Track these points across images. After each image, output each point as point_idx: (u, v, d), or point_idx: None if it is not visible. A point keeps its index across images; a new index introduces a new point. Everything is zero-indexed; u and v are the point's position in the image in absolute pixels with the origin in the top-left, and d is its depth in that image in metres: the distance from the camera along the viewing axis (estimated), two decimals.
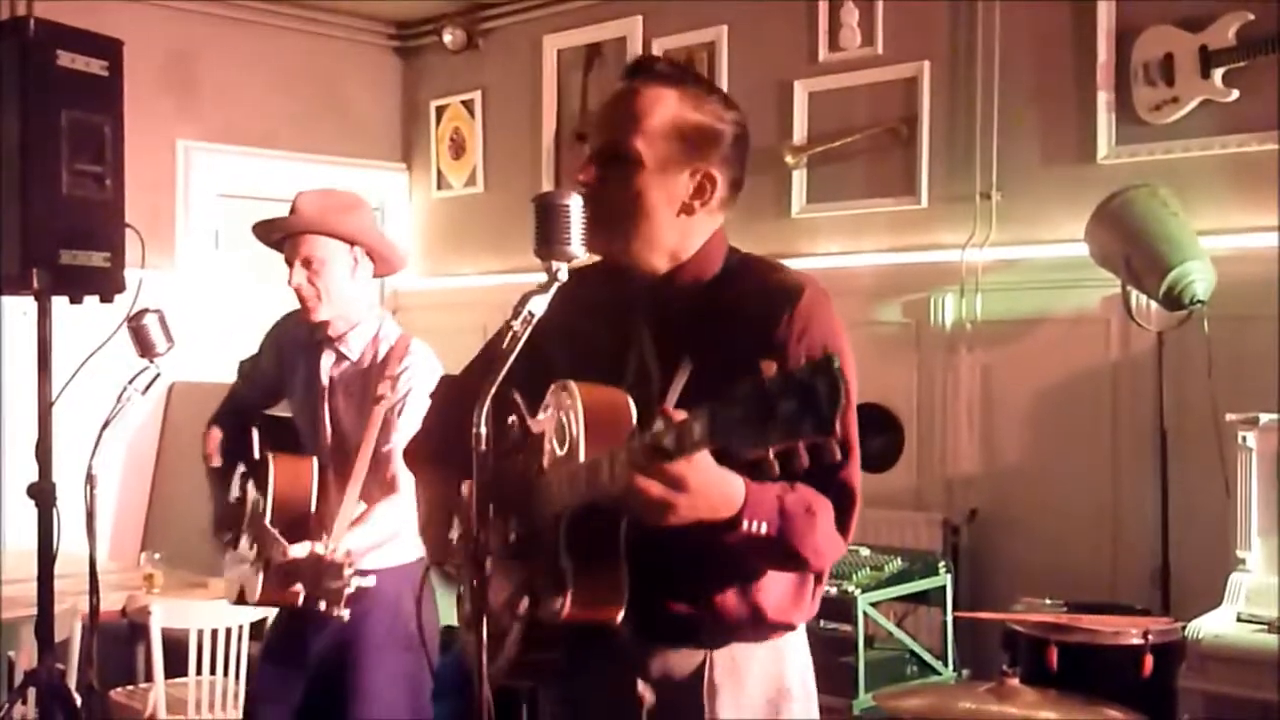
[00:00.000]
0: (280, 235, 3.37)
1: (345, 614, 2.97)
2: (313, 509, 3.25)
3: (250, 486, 3.40)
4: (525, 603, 1.89)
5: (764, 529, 1.79)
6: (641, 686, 2.01)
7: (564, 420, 1.89)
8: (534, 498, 1.93)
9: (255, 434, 3.45)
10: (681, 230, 2.03)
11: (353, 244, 3.36)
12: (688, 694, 1.99)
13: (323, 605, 2.99)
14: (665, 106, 1.98)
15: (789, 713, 2.04)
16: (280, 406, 3.59)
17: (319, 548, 3.01)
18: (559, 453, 1.90)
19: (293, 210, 3.37)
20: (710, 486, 1.70)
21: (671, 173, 1.99)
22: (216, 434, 3.49)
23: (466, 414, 1.83)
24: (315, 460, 3.32)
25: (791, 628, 2.03)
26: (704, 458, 1.66)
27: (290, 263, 3.33)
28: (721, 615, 1.96)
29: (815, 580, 2.03)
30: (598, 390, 1.89)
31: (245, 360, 3.61)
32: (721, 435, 1.49)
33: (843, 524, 1.92)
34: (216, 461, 3.48)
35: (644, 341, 2.01)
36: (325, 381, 3.39)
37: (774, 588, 1.97)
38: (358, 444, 3.30)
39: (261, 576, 3.14)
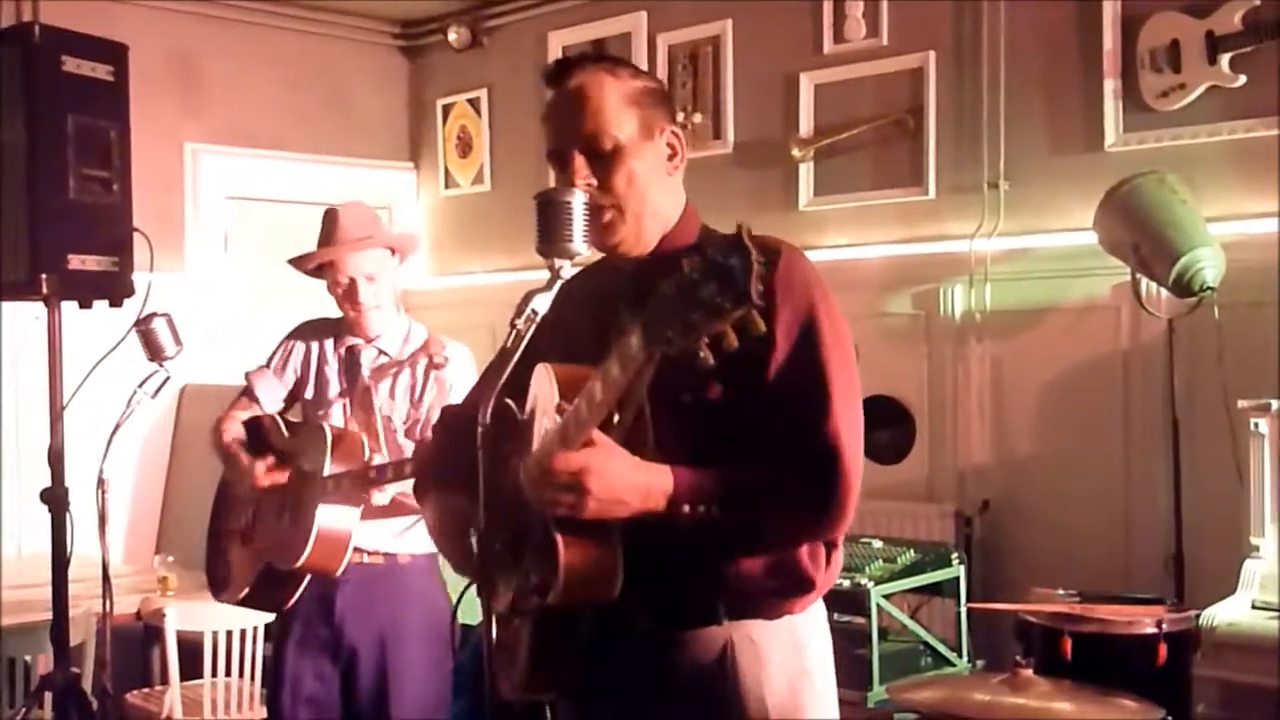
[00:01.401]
0: (334, 258, 3.40)
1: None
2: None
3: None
4: (532, 599, 1.89)
5: (703, 510, 1.83)
6: (662, 676, 2.01)
7: (544, 403, 1.92)
8: (523, 486, 1.94)
9: (282, 426, 3.47)
10: (669, 194, 2.09)
11: (394, 251, 3.48)
12: (710, 679, 1.99)
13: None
14: (610, 87, 2.04)
15: (808, 694, 2.05)
16: (291, 412, 3.61)
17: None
18: (541, 433, 1.92)
19: (338, 230, 3.42)
20: (617, 472, 1.78)
21: (646, 141, 2.05)
22: (237, 426, 3.50)
23: (471, 438, 1.86)
24: (364, 435, 3.37)
25: (811, 586, 2.01)
26: (611, 450, 1.77)
27: (352, 282, 3.39)
28: (738, 582, 1.96)
29: (829, 545, 2.02)
30: (573, 368, 1.91)
31: (254, 369, 3.60)
32: (656, 337, 1.54)
33: (825, 482, 1.89)
34: (237, 435, 3.47)
35: (624, 324, 2.02)
36: (369, 378, 3.46)
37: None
38: (412, 424, 3.41)
39: (316, 527, 3.17)
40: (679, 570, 1.93)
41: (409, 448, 3.40)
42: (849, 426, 1.93)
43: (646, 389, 1.76)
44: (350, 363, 3.50)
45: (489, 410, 1.84)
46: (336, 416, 3.46)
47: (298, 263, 3.48)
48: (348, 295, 3.42)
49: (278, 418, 3.51)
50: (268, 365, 3.59)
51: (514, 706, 2.04)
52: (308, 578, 3.28)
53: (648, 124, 2.04)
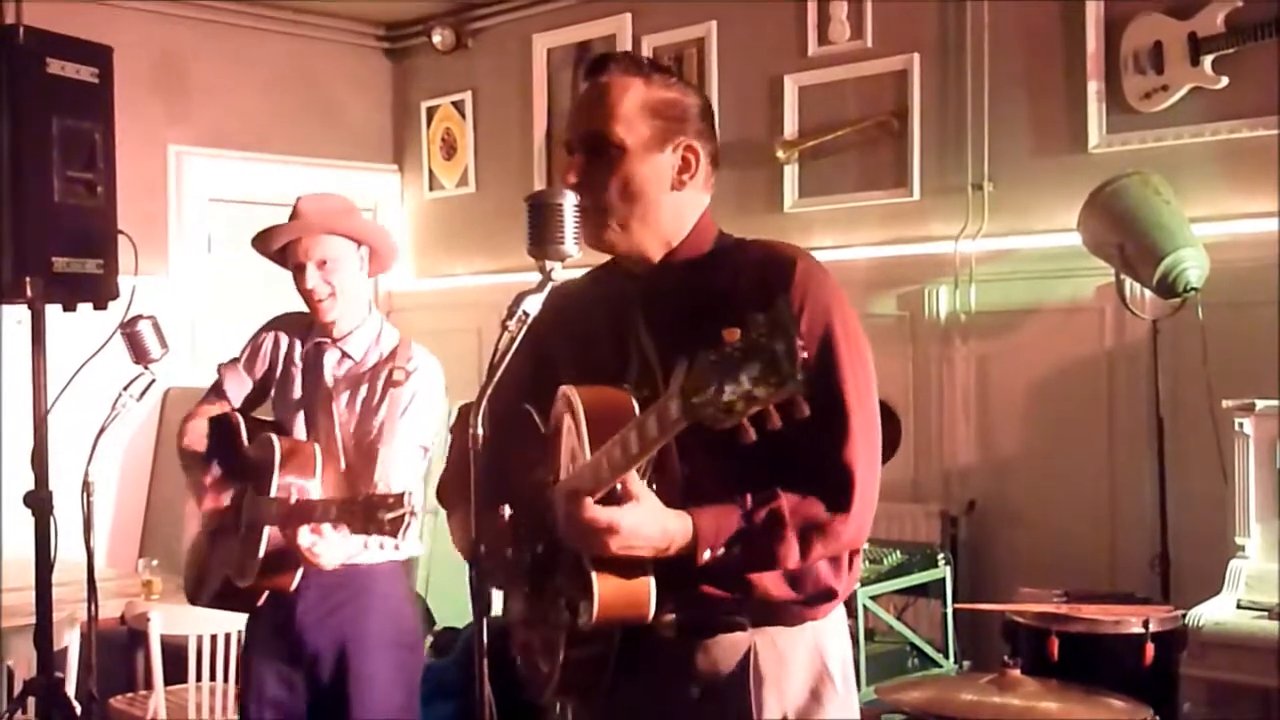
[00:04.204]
0: (287, 241, 3.34)
1: (400, 542, 2.94)
2: (316, 494, 3.19)
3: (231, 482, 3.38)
4: (563, 615, 1.90)
5: (723, 552, 1.86)
6: (686, 683, 2.01)
7: (569, 426, 1.91)
8: (551, 507, 1.95)
9: (243, 428, 3.42)
10: (673, 209, 2.06)
11: (360, 243, 3.38)
12: (734, 686, 1.99)
13: (377, 543, 2.96)
14: (634, 91, 2.04)
15: (830, 698, 2.05)
16: (261, 410, 3.55)
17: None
18: (566, 456, 1.92)
19: (297, 214, 3.35)
20: (639, 531, 1.80)
21: (655, 151, 2.03)
22: (201, 425, 3.45)
23: (500, 438, 1.86)
24: (317, 447, 3.28)
25: (833, 595, 2.03)
26: (637, 508, 1.79)
27: (300, 266, 3.30)
28: (762, 594, 1.96)
29: (850, 552, 2.03)
30: (598, 391, 1.92)
31: (225, 363, 3.57)
32: (698, 410, 1.52)
33: (840, 505, 1.91)
34: (201, 446, 3.41)
35: (641, 335, 2.03)
36: (330, 381, 3.37)
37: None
38: (363, 438, 3.30)
39: (262, 548, 3.10)
40: (703, 581, 1.93)
41: (369, 461, 3.27)
42: (864, 449, 1.94)
43: None
44: (314, 363, 3.41)
45: (479, 415, 1.83)
46: (299, 419, 3.39)
47: (264, 241, 3.39)
48: (297, 279, 3.32)
49: (241, 418, 3.43)
50: (239, 359, 3.53)
51: (513, 707, 2.04)
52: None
53: (662, 134, 2.03)
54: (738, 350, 1.48)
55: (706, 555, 1.86)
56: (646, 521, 1.81)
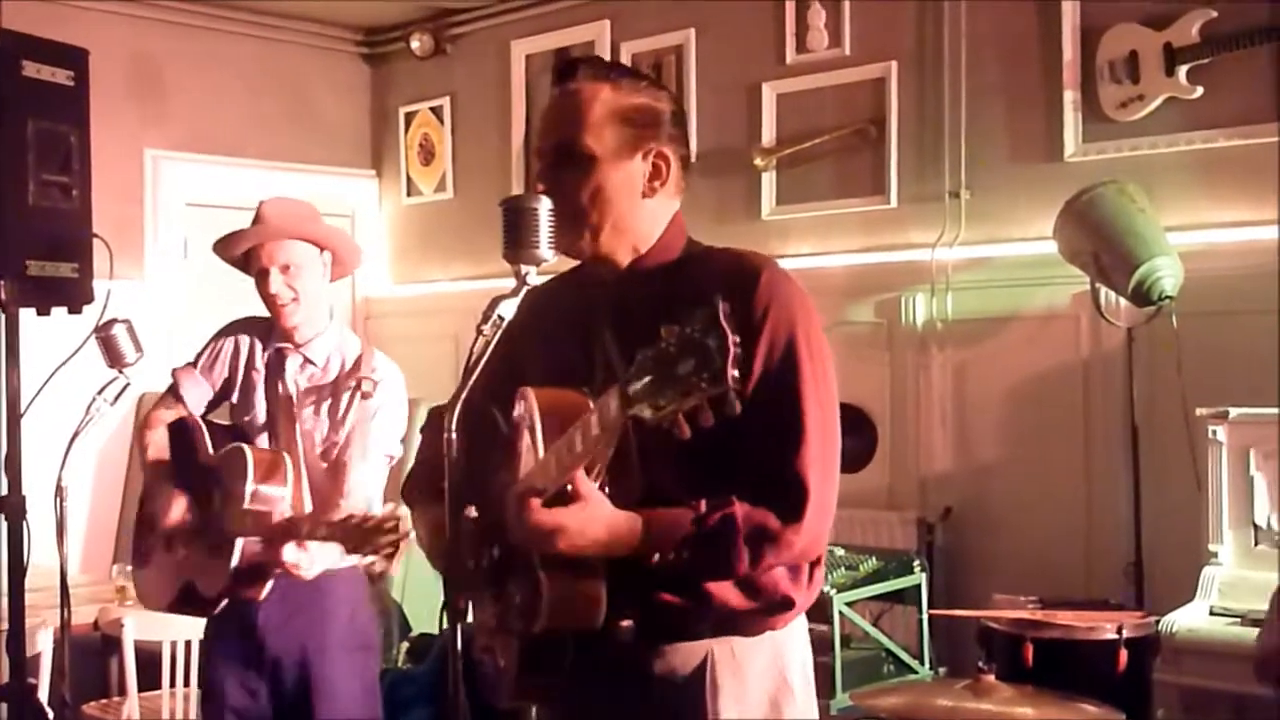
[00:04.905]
0: (249, 246, 3.34)
1: (395, 569, 2.92)
2: (289, 504, 3.18)
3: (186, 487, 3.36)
4: (517, 618, 1.90)
5: (673, 556, 1.87)
6: (645, 690, 2.01)
7: (526, 428, 1.91)
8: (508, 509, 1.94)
9: (205, 433, 3.39)
10: (644, 215, 2.07)
11: (323, 249, 3.38)
12: (690, 693, 1.99)
13: (369, 562, 2.93)
14: (603, 99, 2.03)
15: (789, 709, 2.05)
16: (218, 414, 3.53)
17: (351, 509, 2.97)
18: (526, 460, 1.92)
19: (260, 219, 3.36)
20: (585, 533, 1.82)
21: (625, 158, 2.03)
22: (161, 436, 3.44)
23: (463, 442, 1.86)
24: (288, 456, 3.27)
25: (791, 605, 2.02)
26: (584, 510, 1.81)
27: (264, 271, 3.31)
28: (719, 602, 1.96)
29: (810, 563, 2.03)
30: (555, 393, 1.93)
31: (180, 367, 3.54)
32: (633, 407, 1.54)
33: (792, 515, 1.90)
34: (165, 456, 3.42)
35: (606, 340, 2.04)
36: (292, 387, 3.38)
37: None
38: (329, 449, 3.30)
39: (236, 559, 3.08)
40: (657, 586, 1.94)
41: (335, 472, 3.28)
42: (820, 460, 1.93)
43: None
44: (276, 369, 3.40)
45: (454, 419, 1.84)
46: (262, 426, 3.38)
47: (227, 246, 3.39)
48: (260, 284, 3.33)
49: (203, 423, 3.42)
50: (195, 363, 3.51)
51: (488, 712, 2.05)
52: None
53: (632, 141, 2.03)
54: (673, 346, 1.49)
55: (656, 558, 1.86)
56: (593, 522, 1.82)
